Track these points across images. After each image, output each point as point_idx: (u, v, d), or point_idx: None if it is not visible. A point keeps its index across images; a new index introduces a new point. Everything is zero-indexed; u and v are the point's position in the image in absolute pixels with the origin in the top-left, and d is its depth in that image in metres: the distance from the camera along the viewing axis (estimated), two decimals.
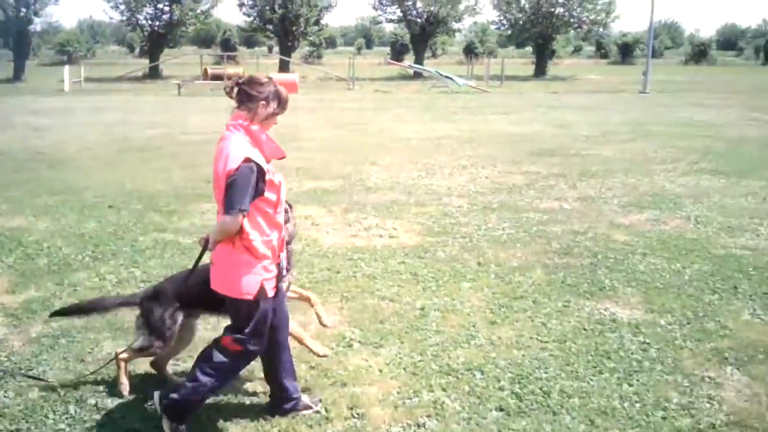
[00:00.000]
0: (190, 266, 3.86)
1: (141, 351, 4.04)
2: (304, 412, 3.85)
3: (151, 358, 4.19)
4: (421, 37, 52.79)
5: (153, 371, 4.27)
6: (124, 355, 4.05)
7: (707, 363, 4.45)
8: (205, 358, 3.61)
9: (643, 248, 6.85)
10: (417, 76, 43.21)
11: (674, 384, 4.20)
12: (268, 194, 3.44)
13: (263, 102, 3.46)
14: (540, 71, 51.45)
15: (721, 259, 6.48)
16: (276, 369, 3.82)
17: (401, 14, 52.74)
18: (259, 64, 44.07)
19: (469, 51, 71.91)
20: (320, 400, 3.96)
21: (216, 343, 3.60)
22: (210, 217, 7.61)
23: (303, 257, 6.52)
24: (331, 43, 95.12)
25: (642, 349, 4.65)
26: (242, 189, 3.30)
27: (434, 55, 79.13)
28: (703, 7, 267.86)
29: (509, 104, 24.89)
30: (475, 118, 19.47)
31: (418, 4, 51.13)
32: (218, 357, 3.55)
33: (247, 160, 3.32)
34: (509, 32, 59.17)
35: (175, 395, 3.55)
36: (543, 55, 54.36)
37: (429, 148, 13.37)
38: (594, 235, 7.32)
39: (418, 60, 50.89)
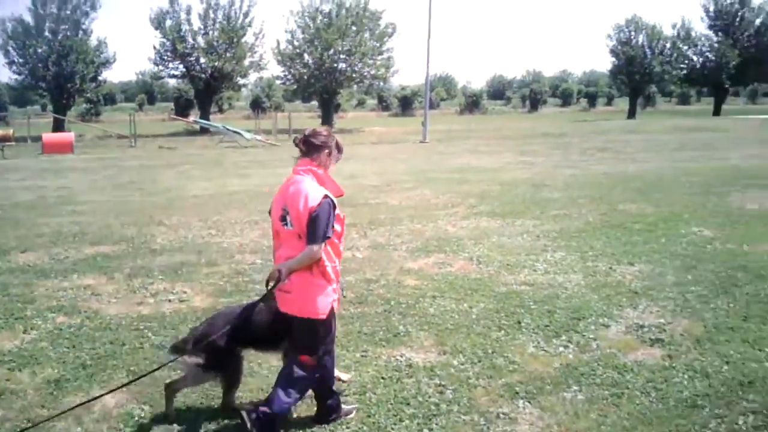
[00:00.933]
0: None
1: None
2: (346, 418, 4.38)
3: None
4: (205, 92, 52.19)
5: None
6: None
7: (500, 399, 4.61)
8: (286, 376, 4.14)
9: (433, 291, 7.06)
10: (204, 131, 42.54)
11: (471, 424, 4.30)
12: (336, 226, 4.12)
13: (327, 150, 4.20)
14: (326, 124, 52.60)
15: (504, 296, 6.83)
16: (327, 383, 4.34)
17: (184, 69, 51.86)
18: (31, 123, 41.09)
19: (256, 105, 72.15)
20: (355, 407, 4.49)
21: (294, 362, 4.13)
22: None
23: (82, 332, 6.03)
24: (110, 99, 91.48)
25: (438, 392, 4.73)
26: (325, 221, 3.97)
27: (221, 110, 78.55)
28: (474, 61, 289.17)
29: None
30: (265, 172, 19.42)
31: (202, 60, 50.58)
32: (298, 373, 4.11)
33: (326, 197, 4.02)
34: (294, 87, 60.18)
35: (265, 409, 4.01)
36: (329, 108, 55.81)
37: (219, 205, 13.07)
38: (386, 282, 7.45)
39: (204, 115, 50.23)
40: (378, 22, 53.87)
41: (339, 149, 4.34)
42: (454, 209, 11.96)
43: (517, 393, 4.69)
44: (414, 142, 32.84)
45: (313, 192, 4.01)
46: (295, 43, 53.57)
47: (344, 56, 53.32)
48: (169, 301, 6.95)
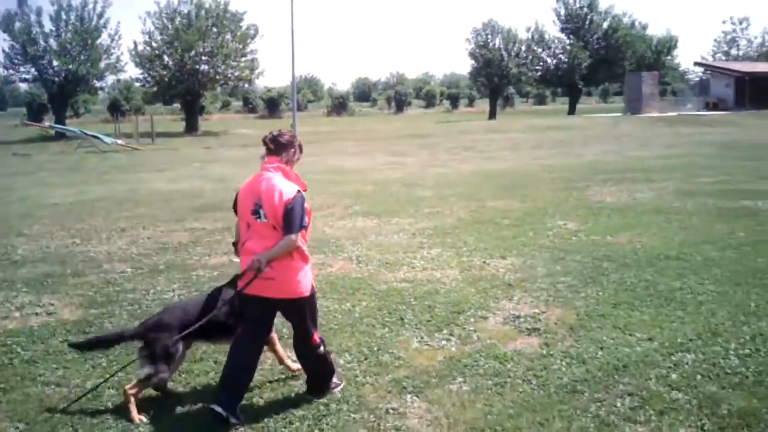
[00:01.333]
0: None
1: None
2: (335, 390, 4.70)
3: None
4: (60, 96, 49.56)
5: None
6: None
7: (389, 395, 4.65)
8: (315, 356, 4.59)
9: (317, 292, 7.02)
10: (60, 136, 40.34)
11: (362, 422, 4.31)
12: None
13: (293, 149, 4.57)
14: (191, 127, 51.33)
15: (385, 294, 6.90)
16: None
17: (36, 73, 49.05)
18: None
19: (115, 109, 69.23)
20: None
21: (312, 344, 4.56)
22: None
23: None
24: None
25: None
26: (300, 213, 4.32)
27: (77, 114, 74.85)
28: (338, 63, 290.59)
29: (163, 161, 24.34)
30: (129, 178, 18.68)
31: (54, 63, 48.03)
32: (321, 349, 4.60)
33: (299, 191, 4.39)
34: (155, 89, 58.26)
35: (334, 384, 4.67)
36: (193, 111, 54.35)
37: (81, 212, 12.45)
38: None
39: (59, 120, 47.65)
40: (239, 23, 53.04)
41: (300, 149, 4.68)
42: (330, 210, 11.97)
43: (404, 388, 4.74)
44: None
45: (286, 187, 4.35)
46: (154, 45, 51.87)
47: (206, 58, 52.15)
48: (36, 314, 6.54)
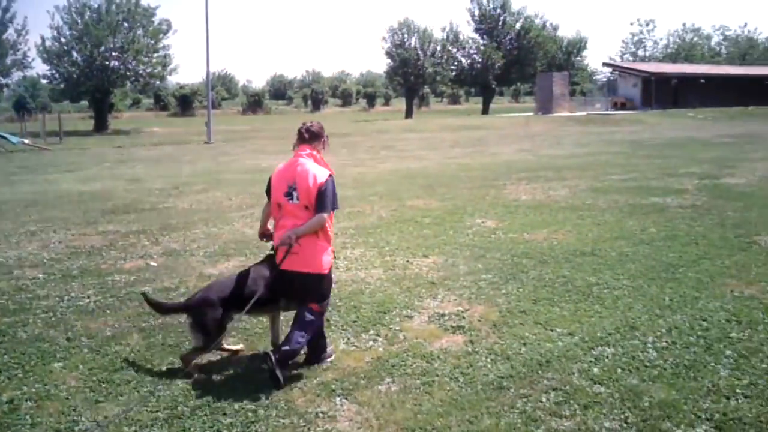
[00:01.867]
0: None
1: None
2: (328, 360, 5.18)
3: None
4: None
5: None
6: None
7: (318, 398, 4.62)
8: (300, 321, 4.96)
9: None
10: None
11: (291, 426, 4.27)
12: None
13: (323, 139, 5.23)
14: (101, 126, 49.83)
15: None
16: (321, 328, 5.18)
17: None
18: None
19: (21, 107, 66.41)
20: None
21: (306, 309, 4.97)
22: None
23: None
24: None
25: (254, 398, 4.63)
26: (332, 194, 4.98)
27: None
28: (253, 60, 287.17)
29: (73, 161, 23.50)
30: (37, 178, 17.95)
31: None
32: (309, 317, 4.96)
33: (330, 175, 5.02)
34: (62, 86, 56.22)
35: (286, 347, 4.86)
36: (102, 109, 52.74)
37: None
38: (186, 289, 7.16)
39: None
40: (152, 18, 51.78)
41: (327, 138, 5.35)
42: (249, 211, 11.79)
43: (333, 391, 4.72)
44: (198, 143, 32.00)
45: (319, 171, 4.96)
46: (62, 40, 50.07)
47: (117, 54, 50.70)
48: None
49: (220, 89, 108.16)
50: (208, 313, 4.99)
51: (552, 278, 7.22)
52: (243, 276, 5.30)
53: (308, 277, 4.97)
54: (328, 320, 6.08)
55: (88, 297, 6.96)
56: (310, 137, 5.14)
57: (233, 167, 20.03)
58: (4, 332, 5.96)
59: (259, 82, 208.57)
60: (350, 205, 12.00)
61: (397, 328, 5.92)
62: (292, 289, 5.09)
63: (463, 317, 6.11)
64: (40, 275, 7.82)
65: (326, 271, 5.07)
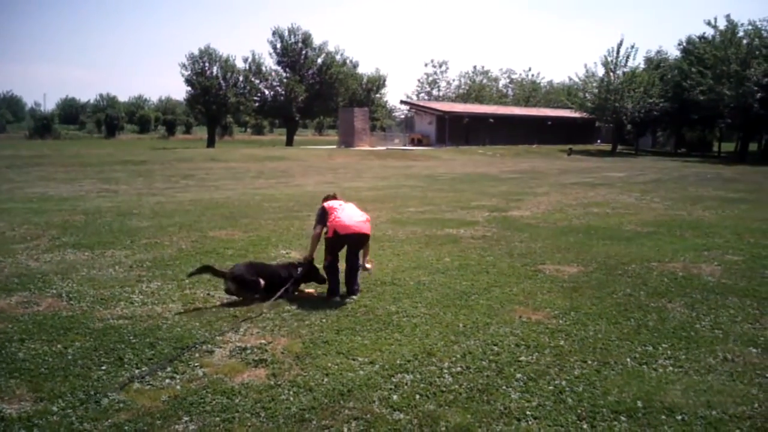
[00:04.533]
0: None
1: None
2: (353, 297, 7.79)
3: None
4: None
5: None
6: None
7: None
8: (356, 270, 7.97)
9: (20, 333, 6.36)
10: None
11: None
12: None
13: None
14: None
15: (101, 333, 6.44)
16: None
17: None
18: None
19: None
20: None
21: (358, 263, 8.01)
22: None
23: None
24: None
25: None
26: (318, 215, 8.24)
27: None
28: (42, 82, 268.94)
29: None
30: None
31: None
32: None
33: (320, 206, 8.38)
34: None
35: (357, 287, 7.93)
36: None
37: None
38: None
39: None
40: None
41: None
42: (34, 242, 10.94)
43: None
44: None
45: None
46: None
47: None
48: None
49: (5, 112, 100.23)
50: (247, 278, 7.63)
51: (354, 308, 7.35)
52: (277, 266, 8.23)
53: (366, 237, 8.02)
54: (120, 358, 5.79)
55: None
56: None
57: (17, 195, 18.55)
58: None
59: (48, 105, 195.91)
60: (147, 237, 11.55)
61: (196, 364, 5.72)
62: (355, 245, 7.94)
63: (266, 350, 6.04)
64: None
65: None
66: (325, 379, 5.36)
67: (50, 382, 5.26)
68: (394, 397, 5.02)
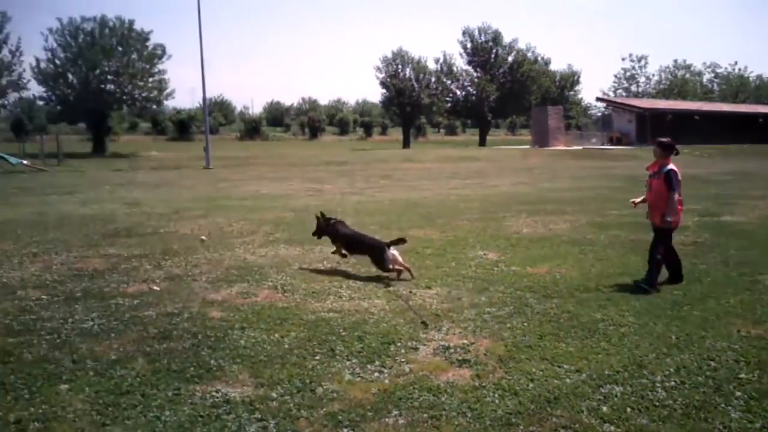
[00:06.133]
0: None
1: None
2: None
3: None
4: None
5: None
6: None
7: (324, 429, 4.58)
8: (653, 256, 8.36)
9: (241, 322, 6.88)
10: None
11: None
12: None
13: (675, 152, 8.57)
14: (99, 148, 49.95)
15: (313, 324, 6.81)
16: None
17: None
18: None
19: (19, 128, 66.50)
20: None
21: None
22: None
23: None
24: None
25: (261, 427, 4.59)
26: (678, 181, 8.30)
27: None
28: (251, 86, 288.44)
29: (72, 183, 23.52)
30: (37, 200, 17.92)
31: None
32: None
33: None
34: (59, 108, 56.45)
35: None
36: (100, 131, 52.90)
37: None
38: (190, 314, 7.14)
39: None
40: (146, 43, 52.23)
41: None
42: (250, 237, 11.78)
43: (340, 422, 4.68)
44: (197, 168, 32.06)
45: (675, 168, 8.31)
46: (57, 62, 50.37)
47: (112, 77, 51.05)
48: None
49: (218, 115, 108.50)
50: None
51: (557, 313, 7.21)
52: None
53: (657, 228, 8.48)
54: (332, 350, 6.08)
55: (92, 320, 6.93)
56: (665, 151, 8.56)
57: (233, 193, 20.06)
58: (9, 353, 5.92)
59: (256, 108, 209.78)
60: None
61: (402, 359, 5.88)
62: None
63: (469, 351, 6.09)
64: (44, 297, 7.80)
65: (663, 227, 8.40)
66: (530, 385, 5.31)
67: (269, 368, 5.64)
68: (604, 408, 4.87)
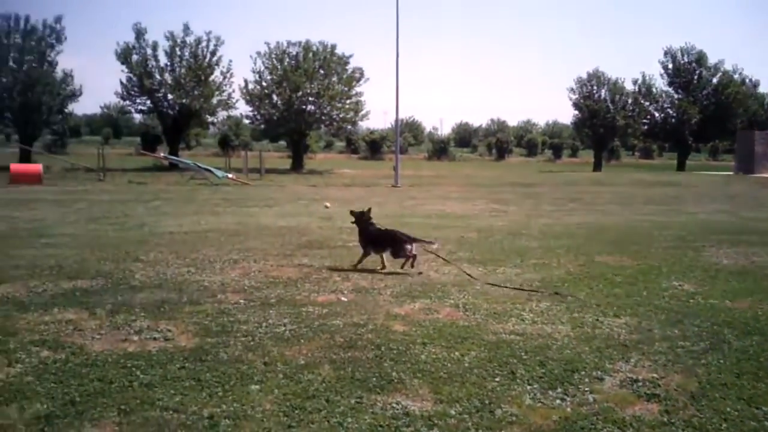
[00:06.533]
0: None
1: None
2: None
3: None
4: (174, 128, 52.00)
5: None
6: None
7: None
8: None
9: (422, 338, 6.96)
10: (173, 167, 42.18)
11: None
12: None
13: None
14: (297, 165, 52.75)
15: (494, 345, 6.76)
16: None
17: (152, 105, 51.70)
18: None
19: (225, 143, 71.76)
20: None
21: None
22: None
23: (68, 368, 5.83)
24: (75, 132, 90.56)
25: None
26: None
27: (188, 147, 78.26)
28: (439, 107, 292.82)
29: (272, 197, 25.02)
30: (239, 211, 19.26)
31: (170, 96, 50.53)
32: None
33: None
34: (263, 126, 60.32)
35: None
36: (299, 149, 55.88)
37: (195, 242, 12.90)
38: (374, 326, 7.34)
39: (173, 151, 49.96)
40: (345, 67, 54.50)
41: None
42: (433, 255, 11.91)
43: None
44: (386, 185, 32.95)
45: None
46: (263, 84, 53.87)
47: (313, 98, 53.74)
48: (154, 339, 6.75)
49: (407, 135, 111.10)
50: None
51: (757, 351, 6.66)
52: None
53: None
54: (512, 372, 6.00)
55: (284, 325, 7.32)
56: None
57: (418, 211, 20.42)
58: (207, 351, 6.39)
59: (445, 129, 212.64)
60: (535, 257, 11.83)
61: (586, 388, 5.69)
62: None
63: (658, 385, 5.77)
64: (241, 301, 8.35)
65: None
66: (724, 425, 4.94)
67: (448, 386, 5.66)
68: None
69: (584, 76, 71.62)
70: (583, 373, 6.04)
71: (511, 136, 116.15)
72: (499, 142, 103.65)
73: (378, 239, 10.63)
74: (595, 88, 71.09)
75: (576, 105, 71.46)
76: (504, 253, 12.31)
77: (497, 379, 5.84)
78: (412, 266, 10.37)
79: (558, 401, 5.42)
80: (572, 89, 71.56)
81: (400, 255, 10.33)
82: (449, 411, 5.15)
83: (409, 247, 10.25)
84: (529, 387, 5.69)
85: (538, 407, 5.29)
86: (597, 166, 69.63)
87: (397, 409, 5.17)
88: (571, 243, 13.68)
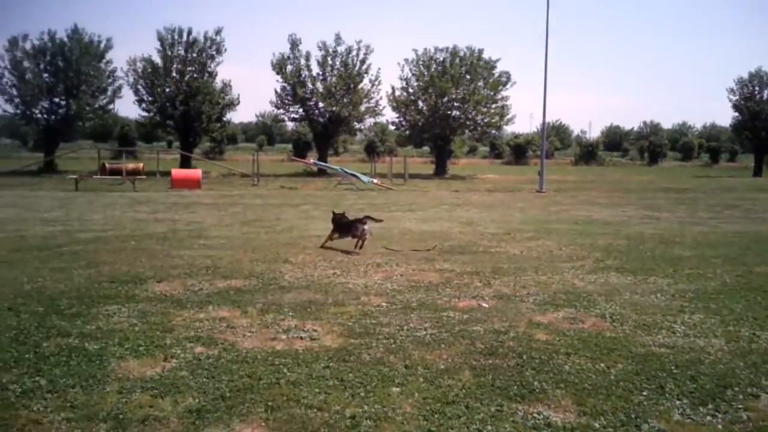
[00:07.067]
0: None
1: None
2: None
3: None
4: (323, 135, 53.62)
5: None
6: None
7: None
8: None
9: (566, 348, 6.83)
10: (321, 172, 43.63)
11: None
12: None
13: None
14: (440, 170, 53.01)
15: (642, 358, 6.53)
16: None
17: (303, 113, 53.58)
18: (160, 158, 43.34)
19: (371, 149, 73.20)
20: None
21: None
22: (116, 320, 7.27)
23: (220, 363, 6.18)
24: (232, 139, 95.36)
25: None
26: None
27: (336, 153, 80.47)
28: (588, 111, 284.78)
29: (414, 202, 25.30)
30: (382, 215, 19.59)
31: (320, 104, 52.20)
32: None
33: None
34: (408, 132, 61.02)
35: None
36: (442, 154, 56.12)
37: (341, 245, 13.26)
38: (516, 334, 7.28)
39: (322, 157, 51.54)
40: (492, 71, 54.18)
41: None
42: (579, 262, 11.64)
43: None
44: (530, 191, 32.50)
45: None
46: (410, 90, 54.53)
47: (458, 104, 53.81)
48: (301, 338, 7.03)
49: (554, 139, 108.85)
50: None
51: None
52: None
53: None
54: (661, 386, 5.78)
55: (425, 329, 7.40)
56: None
57: (563, 217, 20.00)
58: (350, 352, 6.58)
59: (593, 132, 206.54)
60: (689, 267, 11.29)
61: (739, 405, 5.38)
62: None
63: None
64: (384, 304, 8.52)
65: None
66: None
67: (593, 398, 5.53)
68: None
69: (745, 76, 67.52)
70: (736, 389, 5.73)
71: (665, 139, 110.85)
72: (651, 146, 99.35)
73: (341, 225, 13.03)
74: (757, 88, 66.75)
75: (736, 107, 67.40)
76: (655, 261, 11.83)
77: (644, 393, 5.64)
78: (361, 247, 12.44)
79: (709, 418, 5.17)
80: (732, 90, 67.55)
81: (351, 235, 12.65)
82: (593, 424, 5.03)
83: (362, 227, 12.57)
84: (678, 402, 5.46)
85: (687, 423, 5.07)
86: (757, 172, 65.30)
87: (539, 420, 5.11)
88: (728, 252, 12.95)
